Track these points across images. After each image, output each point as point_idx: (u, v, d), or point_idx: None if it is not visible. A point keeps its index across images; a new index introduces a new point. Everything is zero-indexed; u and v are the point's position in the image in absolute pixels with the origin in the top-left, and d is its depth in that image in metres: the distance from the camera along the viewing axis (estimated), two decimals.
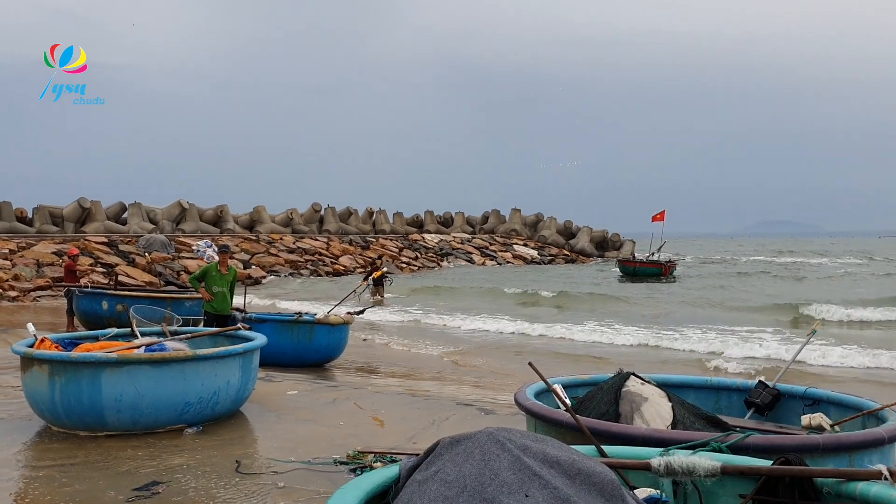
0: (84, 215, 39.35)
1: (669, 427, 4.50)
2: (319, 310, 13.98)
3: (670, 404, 4.65)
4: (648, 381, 4.89)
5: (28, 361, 6.94)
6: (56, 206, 39.20)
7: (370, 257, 44.66)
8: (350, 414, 7.73)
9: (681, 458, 3.23)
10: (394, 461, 6.06)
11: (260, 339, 7.85)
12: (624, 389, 4.70)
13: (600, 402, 4.72)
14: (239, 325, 8.36)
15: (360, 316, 13.28)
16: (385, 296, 25.75)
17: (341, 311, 12.98)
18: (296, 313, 12.41)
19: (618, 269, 42.73)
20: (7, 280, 25.78)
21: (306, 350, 11.86)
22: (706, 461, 3.19)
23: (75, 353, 6.78)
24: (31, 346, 7.26)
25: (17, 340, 8.25)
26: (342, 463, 5.92)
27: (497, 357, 13.99)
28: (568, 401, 3.92)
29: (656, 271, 40.21)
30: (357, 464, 5.92)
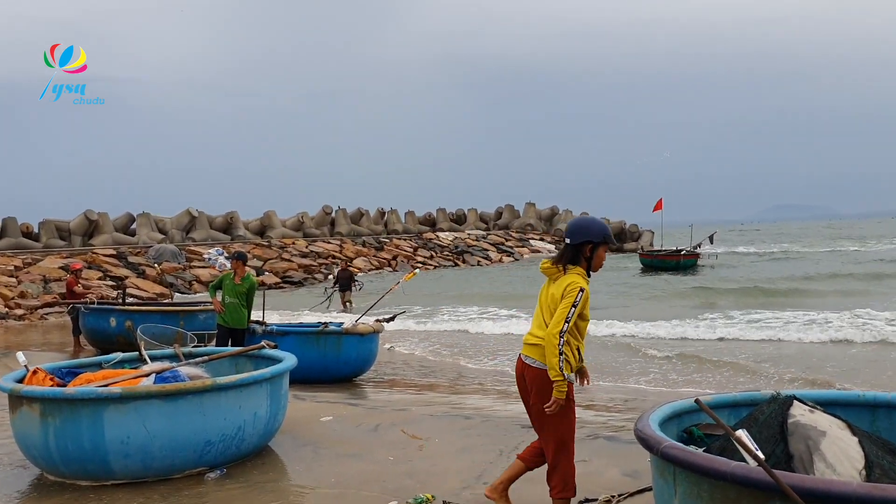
0: (91, 228, 38.36)
1: (863, 472, 3.32)
2: (345, 319, 12.87)
3: (856, 439, 3.47)
4: (816, 407, 3.70)
5: (16, 400, 5.81)
6: (62, 219, 38.22)
7: (384, 258, 43.55)
8: (399, 444, 6.56)
9: None
10: None
11: (289, 359, 6.68)
12: (791, 421, 3.51)
13: (758, 439, 3.53)
14: (263, 343, 7.21)
15: (391, 323, 12.12)
16: (352, 302, 22.53)
17: (369, 319, 11.81)
18: (321, 323, 11.28)
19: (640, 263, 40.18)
20: (13, 298, 24.74)
21: (334, 364, 10.73)
22: None
23: (71, 389, 5.64)
24: (22, 379, 6.14)
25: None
26: None
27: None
28: (760, 453, 2.74)
29: (694, 262, 38.20)
30: None
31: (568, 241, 4.54)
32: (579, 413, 8.13)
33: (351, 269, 26.31)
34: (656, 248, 49.24)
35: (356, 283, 22.97)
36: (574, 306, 4.30)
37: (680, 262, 37.52)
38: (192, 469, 5.83)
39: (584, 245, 4.49)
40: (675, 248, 42.15)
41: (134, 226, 41.44)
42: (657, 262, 38.12)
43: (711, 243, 41.76)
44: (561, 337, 4.25)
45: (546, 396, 4.39)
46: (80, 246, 36.49)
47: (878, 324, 15.45)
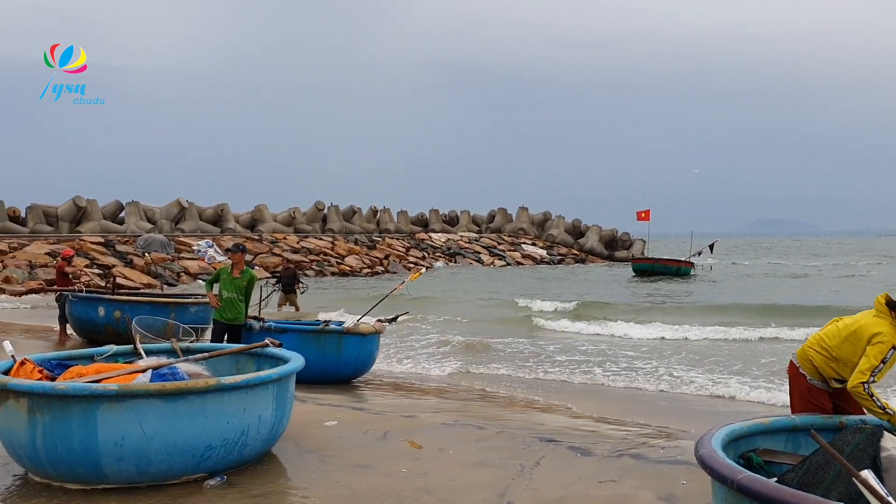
0: (79, 215, 37.76)
1: None
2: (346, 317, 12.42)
3: None
4: None
5: (2, 393, 5.35)
6: (50, 205, 37.62)
7: (376, 257, 43.07)
8: (411, 455, 6.15)
9: None
10: None
11: (296, 359, 6.26)
12: (885, 455, 3.13)
13: (843, 473, 3.14)
14: (267, 340, 6.78)
15: (394, 324, 11.69)
16: (298, 305, 20.60)
17: (370, 319, 11.38)
18: (322, 321, 10.85)
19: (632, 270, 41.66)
20: None
21: (334, 364, 10.28)
22: None
23: (62, 384, 5.19)
24: (8, 370, 5.70)
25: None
26: None
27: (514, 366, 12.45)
28: (892, 499, 2.35)
29: (689, 270, 40.30)
30: None
31: None
32: (590, 425, 7.76)
33: (294, 267, 23.97)
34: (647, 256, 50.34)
35: (300, 284, 21.22)
36: (884, 362, 4.00)
37: (680, 269, 39.91)
38: (191, 475, 5.39)
39: None
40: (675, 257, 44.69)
41: (122, 214, 40.87)
42: (659, 268, 40.11)
43: (712, 252, 42.72)
44: (865, 388, 3.92)
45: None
46: (67, 232, 35.87)
47: None
